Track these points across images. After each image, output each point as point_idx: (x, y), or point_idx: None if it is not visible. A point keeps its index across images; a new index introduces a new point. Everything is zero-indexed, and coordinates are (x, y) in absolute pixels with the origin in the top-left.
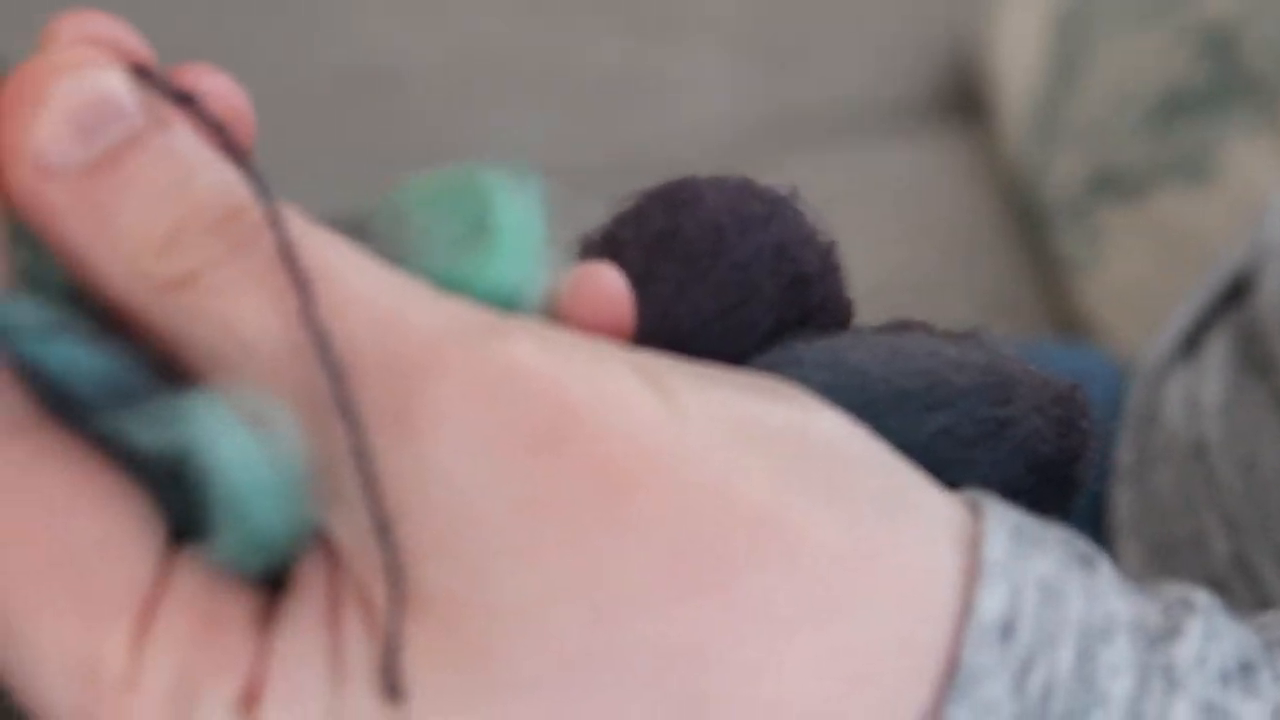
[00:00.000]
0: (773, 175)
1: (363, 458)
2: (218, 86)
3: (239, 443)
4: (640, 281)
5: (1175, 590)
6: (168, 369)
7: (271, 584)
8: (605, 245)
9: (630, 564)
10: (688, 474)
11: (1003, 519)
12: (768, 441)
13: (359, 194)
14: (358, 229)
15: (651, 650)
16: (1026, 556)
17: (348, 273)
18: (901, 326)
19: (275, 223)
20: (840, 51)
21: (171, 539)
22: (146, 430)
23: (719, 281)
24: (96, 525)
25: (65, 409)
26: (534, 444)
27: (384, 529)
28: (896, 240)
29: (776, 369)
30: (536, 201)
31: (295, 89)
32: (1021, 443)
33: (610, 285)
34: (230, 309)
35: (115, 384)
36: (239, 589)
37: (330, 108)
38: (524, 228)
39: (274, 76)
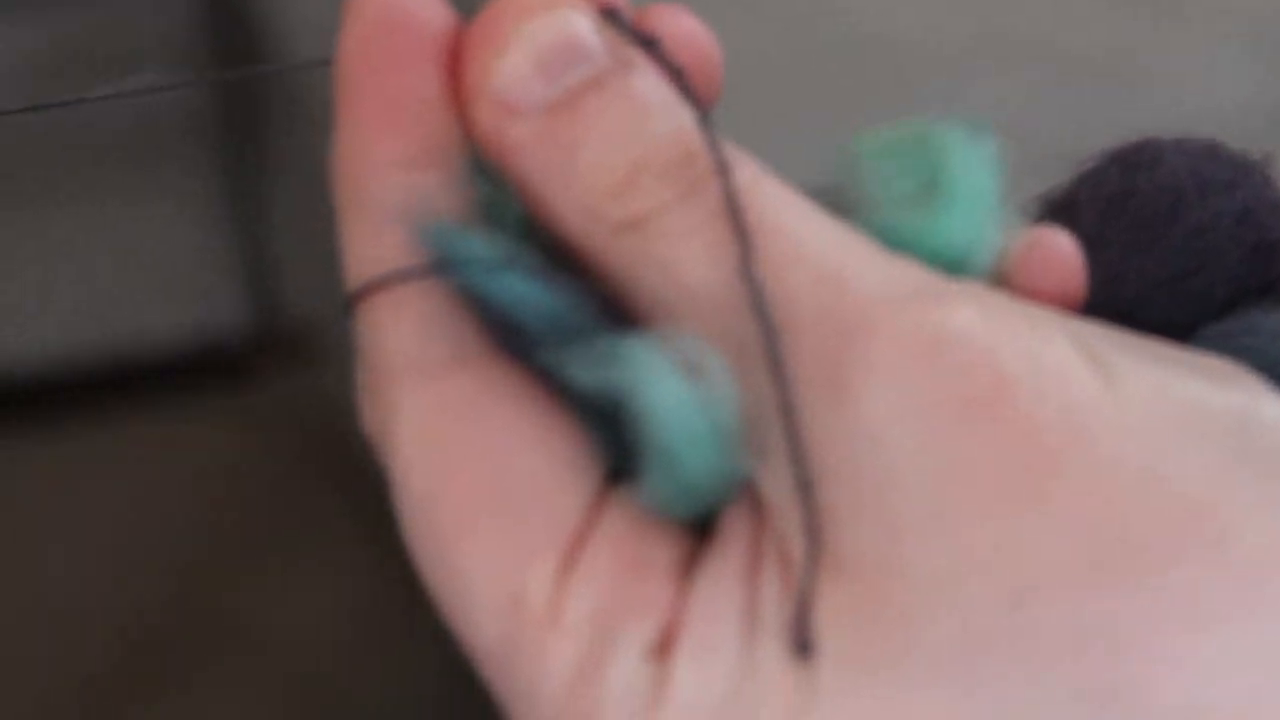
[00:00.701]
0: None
1: (789, 415)
2: (685, 29)
3: (675, 390)
4: (1092, 244)
5: None
6: (615, 310)
7: (697, 531)
8: (1062, 206)
9: (1052, 544)
10: (1120, 456)
11: None
12: (1208, 428)
13: (835, 153)
14: (815, 188)
15: (1066, 634)
16: None
17: (793, 225)
18: None
19: (723, 171)
20: None
21: (607, 478)
22: (587, 369)
23: (1173, 246)
24: (532, 460)
25: (511, 342)
26: (965, 412)
27: (805, 487)
28: None
29: (1231, 338)
30: (992, 161)
31: (789, 47)
32: None
33: (1062, 252)
34: (675, 255)
35: (560, 321)
36: (665, 533)
37: (822, 68)
38: (976, 188)
39: (771, 30)
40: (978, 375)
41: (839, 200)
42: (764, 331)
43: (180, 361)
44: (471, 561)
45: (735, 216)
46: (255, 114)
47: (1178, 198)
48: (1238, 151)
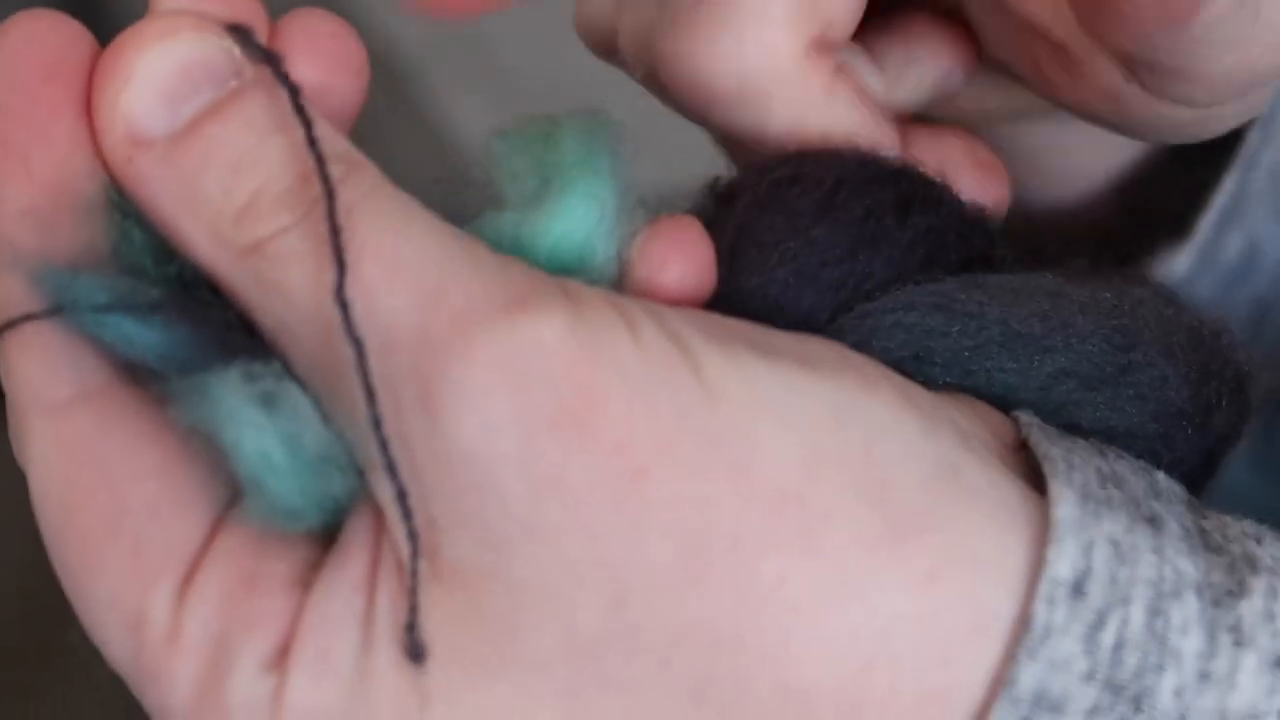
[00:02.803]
0: None
1: (376, 432)
2: (325, 30)
3: (251, 424)
4: (746, 231)
5: (1239, 543)
6: (246, 332)
7: (327, 539)
8: (725, 195)
9: (647, 548)
10: (708, 457)
11: (1069, 480)
12: (802, 423)
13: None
14: (464, 177)
15: (666, 635)
16: (1096, 516)
17: (401, 242)
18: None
19: (327, 194)
20: None
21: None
22: (182, 407)
23: (830, 233)
24: (150, 488)
25: (135, 374)
26: (554, 426)
27: (401, 499)
28: None
29: (888, 313)
30: (613, 156)
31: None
32: (1146, 388)
33: (683, 240)
34: (288, 278)
35: (168, 357)
36: (286, 547)
37: None
38: (593, 184)
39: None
40: (564, 390)
41: (473, 194)
42: (352, 354)
43: None
44: (99, 588)
45: (334, 239)
46: None
47: (838, 184)
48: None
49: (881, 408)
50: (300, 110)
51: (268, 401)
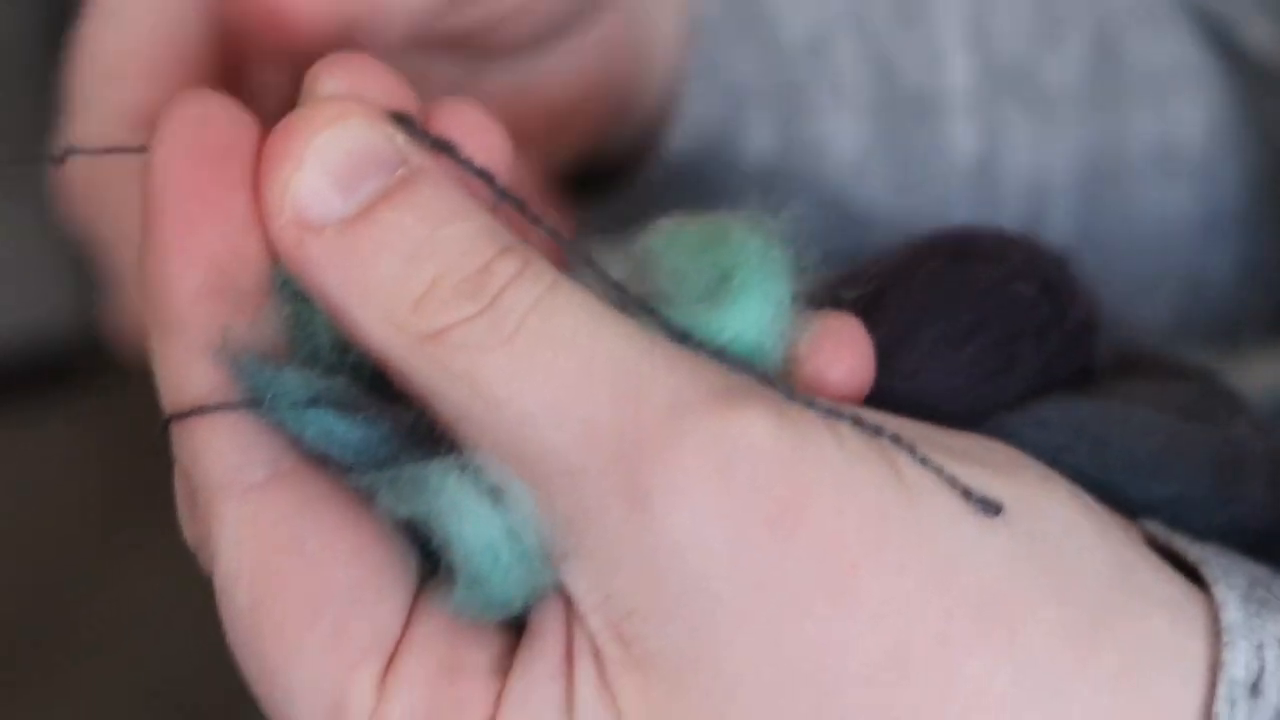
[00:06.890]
0: None
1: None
2: (472, 123)
3: (478, 517)
4: (905, 337)
5: None
6: (428, 420)
7: (513, 626)
8: (873, 296)
9: (858, 644)
10: (915, 555)
11: (1232, 585)
12: (998, 522)
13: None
14: (608, 269)
15: None
16: (1260, 617)
17: (594, 338)
18: (1130, 359)
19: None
20: None
21: (422, 580)
22: (395, 499)
23: (985, 348)
24: (351, 571)
25: (327, 464)
26: (769, 524)
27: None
28: None
29: (1026, 427)
30: (783, 257)
31: None
32: (1245, 515)
33: (852, 339)
34: (476, 368)
35: (367, 451)
36: (482, 634)
37: None
38: (767, 285)
39: None
40: (776, 487)
41: (628, 288)
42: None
43: (7, 365)
44: (296, 671)
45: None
46: None
47: (985, 300)
48: (1046, 246)
49: (1061, 506)
50: (493, 192)
51: (495, 495)
